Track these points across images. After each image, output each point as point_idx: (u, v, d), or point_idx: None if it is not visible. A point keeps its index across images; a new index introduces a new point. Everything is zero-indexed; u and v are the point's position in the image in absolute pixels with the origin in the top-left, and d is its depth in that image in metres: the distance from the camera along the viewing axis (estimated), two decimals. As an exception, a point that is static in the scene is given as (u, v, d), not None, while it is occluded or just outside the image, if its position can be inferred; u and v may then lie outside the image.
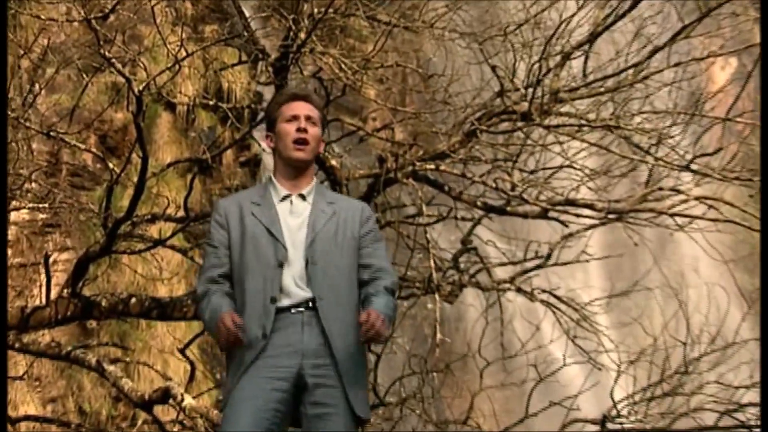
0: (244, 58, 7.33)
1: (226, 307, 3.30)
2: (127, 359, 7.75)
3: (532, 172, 6.78)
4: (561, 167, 6.68)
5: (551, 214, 6.64)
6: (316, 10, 5.96)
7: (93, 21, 5.26)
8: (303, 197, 3.46)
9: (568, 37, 6.45)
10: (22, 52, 6.45)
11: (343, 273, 3.37)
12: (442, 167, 6.68)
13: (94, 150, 6.91)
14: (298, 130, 3.45)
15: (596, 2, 6.55)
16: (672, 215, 6.41)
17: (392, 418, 7.08)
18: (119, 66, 5.34)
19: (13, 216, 7.74)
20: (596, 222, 6.77)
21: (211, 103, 8.79)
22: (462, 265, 7.31)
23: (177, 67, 5.64)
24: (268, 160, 9.78)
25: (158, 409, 5.89)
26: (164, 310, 6.28)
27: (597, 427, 6.45)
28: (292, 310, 3.30)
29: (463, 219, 7.30)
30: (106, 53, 5.26)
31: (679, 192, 6.49)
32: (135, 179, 5.96)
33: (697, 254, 7.32)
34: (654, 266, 7.85)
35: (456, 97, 6.96)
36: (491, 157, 6.77)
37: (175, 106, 10.09)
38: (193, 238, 8.20)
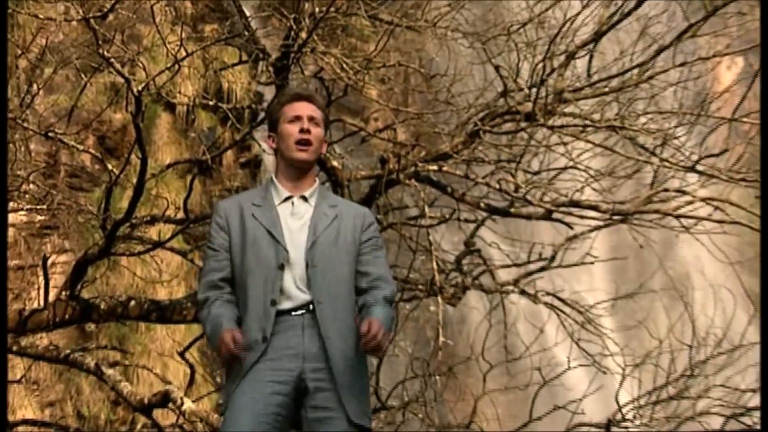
0: (244, 57, 7.32)
1: (228, 321, 3.26)
2: (126, 362, 7.76)
3: (535, 173, 6.77)
4: (565, 168, 6.66)
5: (555, 215, 6.63)
6: (317, 9, 5.94)
7: (91, 20, 5.24)
8: (305, 199, 3.43)
9: (573, 37, 6.44)
10: (19, 51, 6.43)
11: (343, 278, 3.34)
12: (445, 168, 6.67)
13: (92, 151, 6.85)
14: (301, 130, 3.42)
15: (601, 1, 6.53)
16: (677, 217, 6.39)
17: (394, 422, 7.07)
18: (118, 66, 5.33)
19: (11, 218, 7.69)
20: (601, 223, 6.76)
21: (211, 103, 8.80)
22: (465, 267, 7.31)
23: (176, 66, 5.62)
24: (269, 161, 9.75)
25: (158, 413, 5.87)
26: (164, 313, 6.26)
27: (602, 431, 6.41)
28: (293, 313, 3.27)
29: (466, 221, 7.32)
30: (105, 53, 5.24)
31: (684, 193, 6.46)
32: (134, 180, 5.95)
33: (702, 256, 7.29)
34: (659, 268, 7.84)
35: (459, 98, 6.96)
36: (494, 158, 6.76)
37: (175, 106, 10.09)
38: (192, 240, 8.17)
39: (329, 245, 3.35)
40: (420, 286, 6.87)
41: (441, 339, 6.22)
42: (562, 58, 6.39)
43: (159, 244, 6.50)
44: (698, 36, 6.33)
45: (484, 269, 7.36)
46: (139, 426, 8.09)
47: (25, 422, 7.33)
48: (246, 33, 6.92)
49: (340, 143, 7.54)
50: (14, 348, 5.99)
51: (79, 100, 7.26)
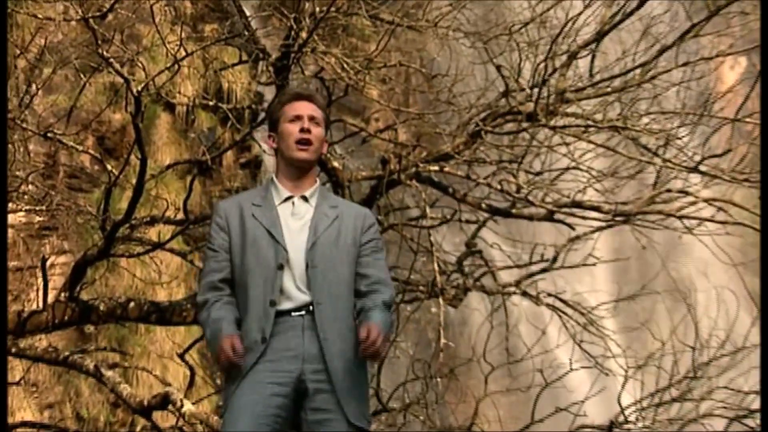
0: (244, 57, 7.30)
1: (227, 326, 3.25)
2: (126, 364, 7.77)
3: (537, 174, 6.75)
4: (567, 169, 6.64)
5: (557, 216, 6.60)
6: (317, 9, 5.93)
7: (91, 20, 5.23)
8: (305, 199, 3.42)
9: (575, 36, 6.43)
10: (18, 51, 6.41)
11: (342, 279, 3.33)
12: (446, 169, 6.66)
13: (91, 151, 6.85)
14: (302, 130, 3.40)
15: (603, 1, 6.52)
16: (680, 218, 6.38)
17: (395, 424, 7.08)
18: (117, 66, 5.32)
19: (10, 219, 7.67)
20: (603, 224, 6.73)
21: (211, 103, 8.81)
22: (466, 269, 7.29)
23: (176, 66, 5.60)
24: (270, 161, 9.73)
25: (157, 415, 5.87)
26: (163, 315, 6.25)
27: (604, 434, 6.41)
28: (293, 314, 3.25)
29: (468, 221, 7.30)
30: (104, 53, 5.24)
31: (687, 194, 6.45)
32: (133, 181, 5.94)
33: (705, 257, 7.26)
34: (662, 269, 7.81)
35: (460, 98, 6.95)
36: (496, 158, 6.74)
37: (175, 106, 10.09)
38: (192, 241, 8.15)
39: (330, 246, 3.33)
40: (421, 288, 6.85)
41: (442, 341, 6.24)
42: (564, 57, 6.38)
43: (158, 246, 6.48)
44: (701, 36, 6.34)
45: (485, 270, 7.34)
46: (138, 428, 8.10)
47: (24, 424, 7.31)
48: (246, 33, 6.92)
49: (340, 144, 7.53)
50: (13, 350, 5.98)
51: (78, 101, 7.23)
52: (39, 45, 6.79)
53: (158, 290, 8.52)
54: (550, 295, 7.15)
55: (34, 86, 6.27)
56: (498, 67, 6.60)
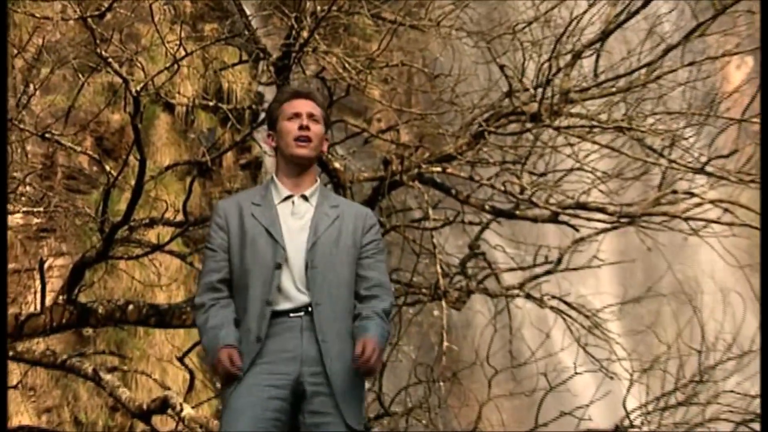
0: (244, 57, 7.31)
1: (225, 335, 3.24)
2: (125, 368, 7.75)
3: (541, 175, 6.74)
4: (572, 170, 6.63)
5: (561, 218, 6.58)
6: (319, 8, 5.95)
7: (89, 19, 5.22)
8: (305, 198, 3.40)
9: (579, 36, 6.40)
10: (16, 51, 6.38)
11: (342, 280, 3.32)
12: (449, 170, 6.65)
13: (90, 152, 6.87)
14: (300, 127, 3.40)
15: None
16: (686, 219, 6.38)
17: (398, 429, 7.06)
18: (116, 66, 5.32)
19: (7, 220, 7.63)
20: (608, 226, 6.72)
21: (210, 103, 8.83)
22: (469, 271, 7.26)
23: (176, 66, 5.58)
24: (270, 162, 9.69)
25: (156, 420, 5.85)
26: (163, 318, 6.24)
27: (609, 438, 6.39)
28: (291, 315, 3.24)
29: (471, 223, 7.27)
30: (103, 52, 5.23)
31: (693, 195, 6.45)
32: (132, 182, 5.93)
33: (712, 259, 7.25)
34: (667, 272, 7.78)
35: (463, 98, 6.93)
36: (500, 159, 6.73)
37: (174, 107, 10.08)
38: (192, 243, 8.16)
39: (330, 246, 3.32)
40: (424, 290, 6.84)
41: (445, 344, 6.19)
42: (569, 57, 6.35)
43: (158, 247, 6.49)
44: (707, 35, 6.32)
45: (489, 273, 7.32)
46: (137, 432, 8.07)
47: (22, 429, 7.32)
48: (246, 32, 6.91)
49: (342, 144, 7.53)
50: (10, 353, 5.98)
51: (77, 101, 7.24)
52: (36, 44, 6.79)
53: (157, 293, 8.53)
54: (554, 297, 7.13)
55: (31, 86, 6.28)
56: (501, 67, 6.58)
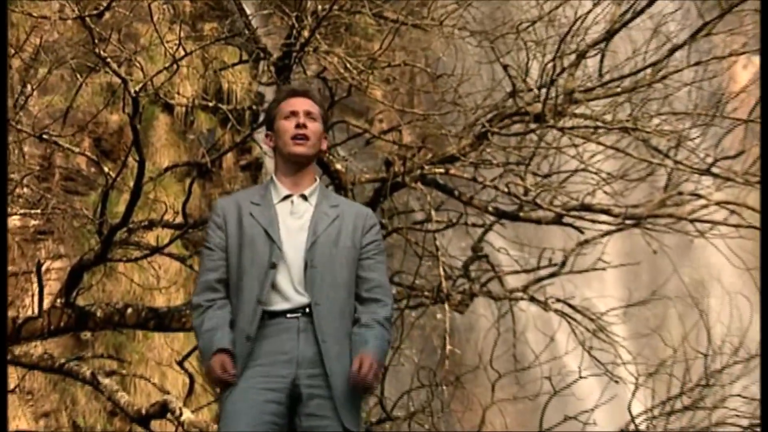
0: (244, 57, 7.29)
1: (219, 339, 3.20)
2: (123, 372, 7.82)
3: (545, 176, 6.73)
4: (576, 171, 6.61)
5: (566, 219, 6.59)
6: (320, 7, 5.98)
7: (87, 19, 5.22)
8: (305, 198, 3.36)
9: (584, 35, 6.40)
10: (13, 51, 6.33)
11: (342, 280, 3.27)
12: (452, 171, 6.64)
13: (88, 153, 6.92)
14: (297, 125, 3.37)
15: (613, -1, 6.42)
16: (692, 221, 6.39)
17: (400, 433, 6.97)
18: (115, 66, 5.34)
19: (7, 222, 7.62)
20: (613, 228, 6.73)
21: (210, 104, 8.83)
22: (473, 274, 7.26)
23: (175, 66, 5.58)
24: (270, 163, 9.65)
25: (156, 424, 5.88)
26: (162, 321, 6.25)
27: (614, 442, 6.38)
28: (288, 315, 3.19)
29: (474, 225, 7.27)
30: (101, 52, 5.24)
31: (699, 196, 6.45)
32: (131, 184, 5.92)
33: (718, 261, 7.23)
34: (673, 274, 7.78)
35: (466, 98, 6.91)
36: (503, 160, 6.71)
37: (173, 107, 10.08)
38: (191, 245, 8.14)
39: (329, 246, 3.27)
40: (426, 293, 6.83)
41: (448, 347, 6.22)
42: (573, 57, 6.34)
43: (157, 250, 6.48)
44: (713, 34, 6.33)
45: (492, 275, 7.32)
46: (136, 437, 8.03)
47: (19, 433, 7.28)
48: (246, 32, 6.90)
49: (343, 145, 7.51)
50: (8, 357, 5.98)
51: (75, 101, 7.24)
52: (34, 44, 6.77)
53: (156, 296, 8.56)
54: (558, 300, 7.10)
55: (29, 87, 6.28)
56: (505, 67, 6.57)
